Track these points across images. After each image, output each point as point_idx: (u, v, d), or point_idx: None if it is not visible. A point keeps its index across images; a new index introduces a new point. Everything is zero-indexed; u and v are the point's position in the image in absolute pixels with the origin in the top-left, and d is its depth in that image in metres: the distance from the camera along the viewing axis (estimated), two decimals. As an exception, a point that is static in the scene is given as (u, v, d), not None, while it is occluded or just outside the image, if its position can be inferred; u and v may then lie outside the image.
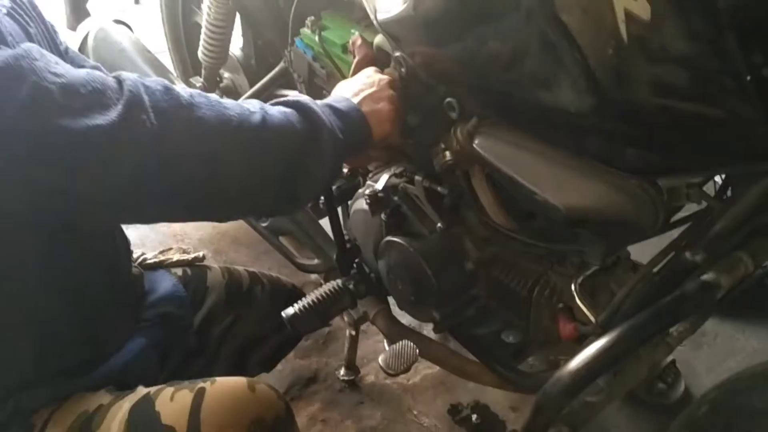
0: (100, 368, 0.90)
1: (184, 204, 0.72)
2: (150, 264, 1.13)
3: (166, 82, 0.69)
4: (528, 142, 0.78)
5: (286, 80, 1.38)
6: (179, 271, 1.15)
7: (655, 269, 0.76)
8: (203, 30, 1.43)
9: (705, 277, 0.66)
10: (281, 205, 0.84)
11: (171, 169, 0.67)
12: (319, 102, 0.82)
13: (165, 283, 1.09)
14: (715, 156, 0.60)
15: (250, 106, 0.75)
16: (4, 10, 0.73)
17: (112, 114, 0.62)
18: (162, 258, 1.16)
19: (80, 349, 0.89)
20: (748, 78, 0.54)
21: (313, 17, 1.10)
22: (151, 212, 0.73)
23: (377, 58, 0.99)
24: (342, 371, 1.52)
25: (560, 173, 0.74)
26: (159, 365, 1.02)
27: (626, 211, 0.70)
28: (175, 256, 1.17)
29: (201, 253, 1.21)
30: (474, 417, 1.41)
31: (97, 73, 0.66)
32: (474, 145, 0.85)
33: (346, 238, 1.22)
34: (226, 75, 1.71)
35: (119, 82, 0.66)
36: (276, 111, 0.77)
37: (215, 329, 1.14)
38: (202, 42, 1.45)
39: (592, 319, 0.90)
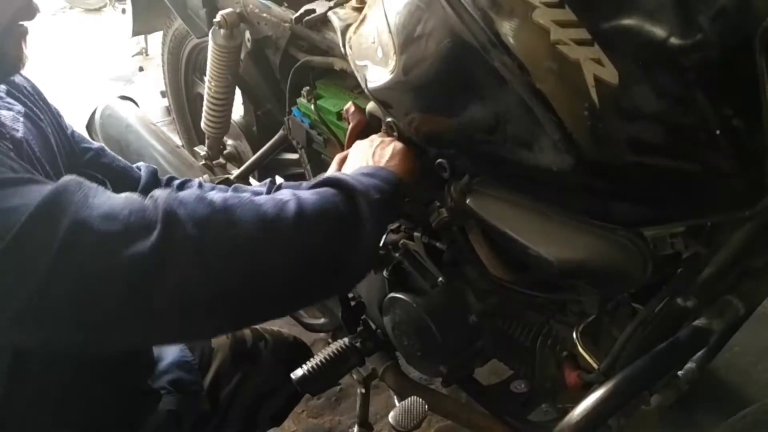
0: None
1: (231, 313, 0.70)
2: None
3: (198, 190, 0.71)
4: (518, 199, 0.81)
5: (286, 146, 1.43)
6: None
7: (652, 315, 0.78)
8: (205, 102, 1.50)
9: (697, 322, 0.68)
10: (336, 287, 0.83)
11: (215, 277, 0.65)
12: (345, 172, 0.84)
13: (172, 348, 1.12)
14: (694, 206, 0.63)
15: (282, 196, 0.74)
16: (22, 111, 0.76)
17: (152, 237, 0.62)
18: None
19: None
20: (718, 132, 0.58)
21: (308, 87, 1.15)
22: (198, 328, 0.71)
23: (370, 124, 1.03)
24: (355, 429, 1.52)
25: (550, 228, 0.76)
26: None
27: (615, 261, 0.72)
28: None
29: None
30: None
31: (134, 197, 0.67)
32: (467, 203, 0.88)
33: (351, 295, 1.25)
34: (230, 142, 1.77)
35: (154, 201, 0.66)
36: (308, 194, 0.76)
37: (224, 389, 1.16)
38: (204, 114, 1.51)
39: (595, 366, 0.91)
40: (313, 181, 0.81)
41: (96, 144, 1.03)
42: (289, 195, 0.74)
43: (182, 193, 0.68)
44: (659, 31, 0.58)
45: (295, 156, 1.56)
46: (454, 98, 0.76)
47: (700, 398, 1.54)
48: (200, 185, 1.05)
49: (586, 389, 0.94)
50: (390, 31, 0.86)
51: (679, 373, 0.96)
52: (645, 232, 0.68)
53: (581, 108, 0.60)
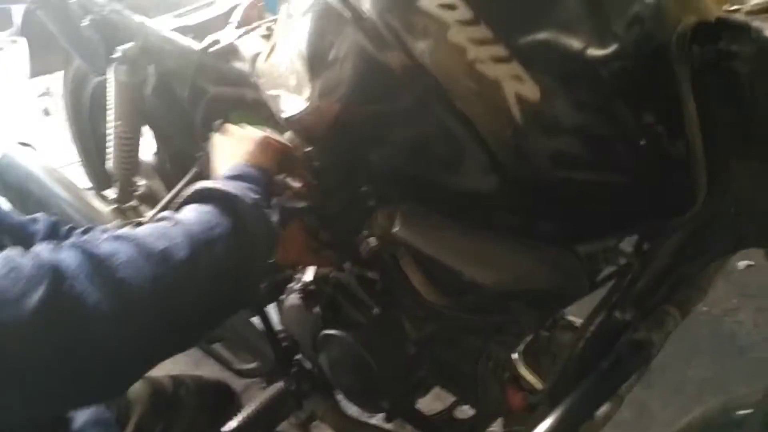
0: None
1: (142, 359, 0.65)
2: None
3: (83, 237, 0.66)
4: (447, 223, 0.78)
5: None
6: None
7: (590, 331, 0.76)
8: (111, 142, 1.41)
9: (637, 336, 0.67)
10: (249, 294, 0.79)
11: (115, 330, 0.60)
12: (217, 178, 0.81)
13: None
14: (624, 219, 0.61)
15: (164, 224, 0.71)
16: None
17: (32, 298, 0.56)
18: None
19: None
20: (642, 142, 0.57)
21: (220, 120, 1.09)
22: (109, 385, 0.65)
23: (289, 154, 0.99)
24: (298, 474, 1.44)
25: (482, 251, 0.74)
26: None
27: (550, 280, 0.70)
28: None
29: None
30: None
31: (11, 254, 0.59)
32: (395, 229, 0.84)
33: (283, 335, 1.18)
34: (142, 182, 1.67)
35: (34, 255, 0.59)
36: (189, 215, 0.72)
37: None
38: (111, 154, 1.42)
39: (539, 385, 0.89)
40: (188, 192, 0.77)
41: None
42: (167, 215, 0.71)
43: (67, 243, 0.62)
44: (576, 43, 0.57)
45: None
46: (375, 123, 0.73)
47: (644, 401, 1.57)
48: (103, 232, 0.97)
49: (532, 411, 0.92)
50: (302, 58, 0.83)
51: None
52: (578, 248, 0.67)
53: (504, 127, 0.58)
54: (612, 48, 0.57)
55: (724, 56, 0.58)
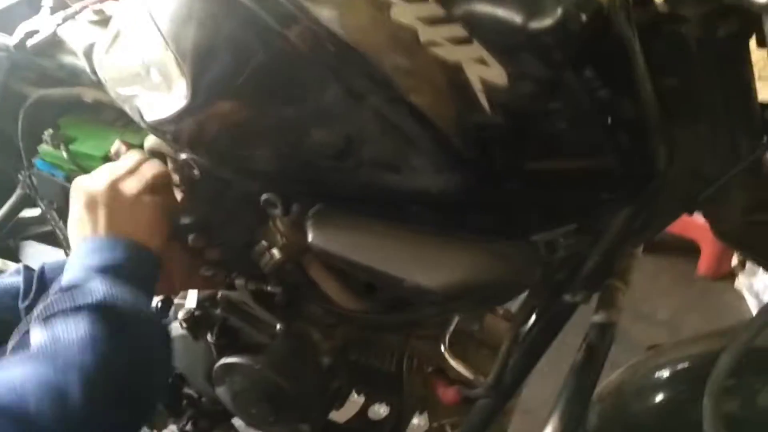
0: None
1: None
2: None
3: None
4: (369, 225, 0.70)
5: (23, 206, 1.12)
6: None
7: (533, 318, 0.73)
8: None
9: (597, 319, 0.65)
10: (158, 383, 0.69)
11: None
12: (72, 271, 0.64)
13: None
14: (586, 203, 0.58)
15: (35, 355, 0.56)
16: None
17: None
18: None
19: None
20: (608, 120, 0.52)
21: (51, 130, 0.88)
22: None
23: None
24: None
25: (420, 252, 0.67)
26: None
27: (501, 274, 0.65)
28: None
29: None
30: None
31: None
32: (309, 239, 0.74)
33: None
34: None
35: None
36: (68, 332, 0.57)
37: None
38: None
39: (470, 377, 0.85)
40: (41, 310, 0.61)
41: None
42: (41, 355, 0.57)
43: None
44: (521, 13, 0.51)
45: (35, 212, 1.24)
46: (285, 122, 0.61)
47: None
48: None
49: (470, 404, 0.88)
50: (169, 48, 0.67)
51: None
52: (533, 237, 0.62)
53: (469, 117, 0.50)
54: (558, 13, 0.51)
55: (666, 19, 0.55)
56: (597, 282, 0.67)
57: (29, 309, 0.71)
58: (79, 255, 0.67)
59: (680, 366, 0.73)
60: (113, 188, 0.71)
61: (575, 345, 0.64)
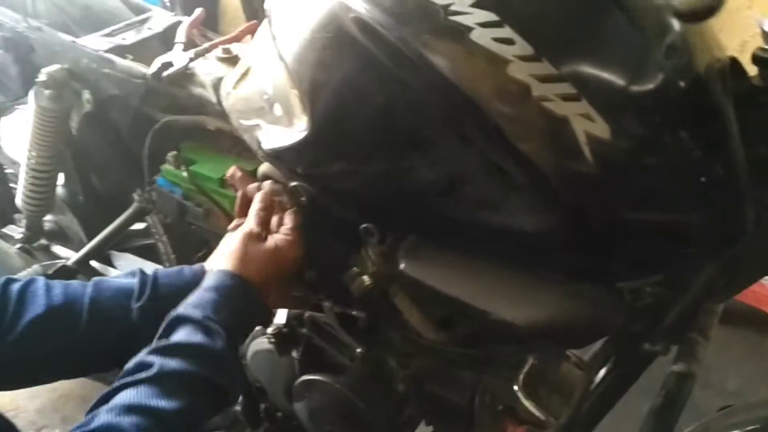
0: None
1: None
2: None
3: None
4: (459, 259, 0.75)
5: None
6: None
7: (609, 364, 0.75)
8: (23, 175, 1.23)
9: (677, 368, 0.67)
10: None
11: None
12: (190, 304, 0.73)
13: None
14: (677, 255, 0.61)
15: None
16: None
17: None
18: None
19: None
20: (703, 179, 0.56)
21: (174, 152, 0.98)
22: None
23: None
24: None
25: (509, 288, 0.71)
26: None
27: (585, 316, 0.69)
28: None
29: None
30: None
31: None
32: (401, 267, 0.80)
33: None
34: (49, 218, 1.48)
35: None
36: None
37: None
38: (23, 189, 1.25)
39: (542, 417, 0.88)
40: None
41: None
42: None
43: None
44: (624, 76, 0.56)
45: (141, 226, 1.35)
46: (394, 159, 0.68)
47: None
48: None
49: (535, 444, 0.90)
50: (294, 86, 0.75)
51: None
52: (618, 284, 0.66)
53: (572, 166, 0.55)
54: (659, 79, 0.56)
55: (761, 92, 0.59)
56: (678, 334, 0.69)
57: (141, 310, 0.80)
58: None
59: (750, 428, 0.74)
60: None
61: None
